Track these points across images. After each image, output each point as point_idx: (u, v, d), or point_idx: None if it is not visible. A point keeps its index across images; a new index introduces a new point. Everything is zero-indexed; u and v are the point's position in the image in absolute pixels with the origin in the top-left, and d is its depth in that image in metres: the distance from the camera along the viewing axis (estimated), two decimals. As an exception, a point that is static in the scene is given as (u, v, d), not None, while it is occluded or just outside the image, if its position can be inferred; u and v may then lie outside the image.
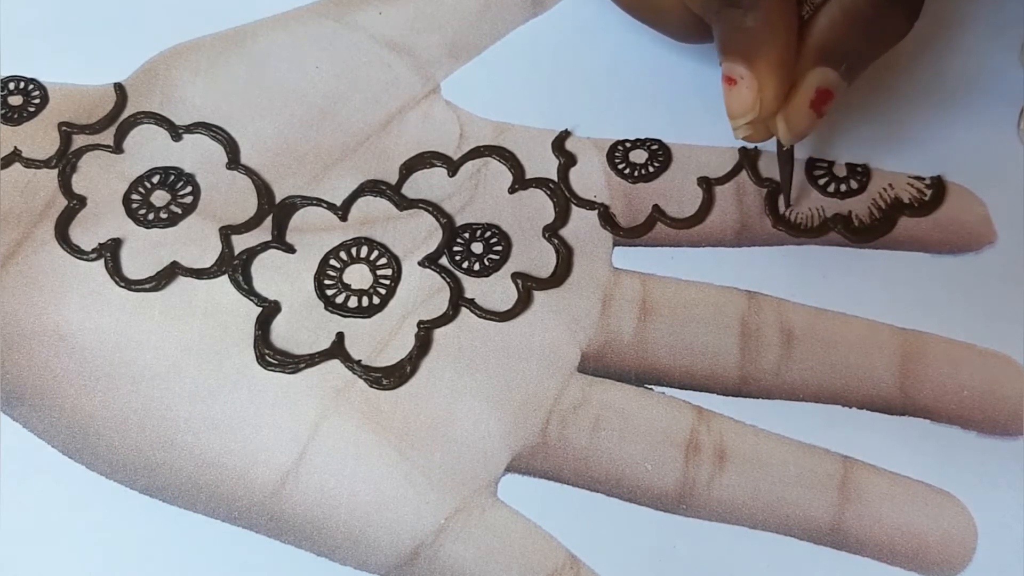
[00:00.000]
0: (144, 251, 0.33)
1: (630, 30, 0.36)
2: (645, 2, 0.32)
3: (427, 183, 0.34)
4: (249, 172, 0.34)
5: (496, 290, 0.32)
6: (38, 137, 0.35)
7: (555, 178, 0.34)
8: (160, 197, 0.34)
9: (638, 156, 0.35)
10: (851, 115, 0.35)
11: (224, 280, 0.32)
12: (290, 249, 0.33)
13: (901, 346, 0.31)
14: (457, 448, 0.30)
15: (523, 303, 0.32)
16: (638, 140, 0.35)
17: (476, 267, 0.33)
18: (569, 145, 0.35)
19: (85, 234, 0.33)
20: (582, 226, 0.33)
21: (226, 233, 0.33)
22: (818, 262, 0.33)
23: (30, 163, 0.34)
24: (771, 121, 0.29)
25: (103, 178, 0.34)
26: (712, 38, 0.30)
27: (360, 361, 0.31)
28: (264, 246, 0.33)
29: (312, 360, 0.31)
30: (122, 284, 0.32)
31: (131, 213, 0.33)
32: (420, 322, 0.32)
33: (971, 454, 0.30)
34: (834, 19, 0.29)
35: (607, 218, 0.33)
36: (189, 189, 0.34)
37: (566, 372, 0.31)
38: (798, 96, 0.29)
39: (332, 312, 0.32)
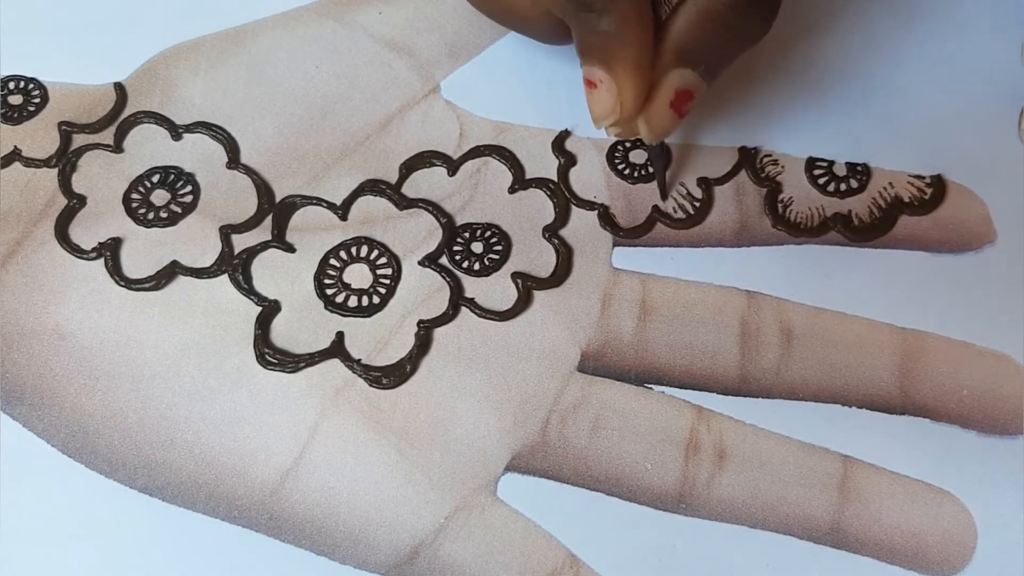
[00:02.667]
0: (144, 250, 0.33)
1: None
2: (504, 9, 0.31)
3: (427, 182, 0.34)
4: (249, 171, 0.34)
5: (496, 290, 0.32)
6: (38, 136, 0.35)
7: (555, 178, 0.34)
8: (160, 196, 0.34)
9: (638, 156, 0.35)
10: (850, 114, 0.35)
11: (224, 279, 0.32)
12: (290, 248, 0.33)
13: (901, 345, 0.31)
14: (457, 447, 0.30)
15: (523, 303, 0.32)
16: (638, 140, 0.35)
17: (476, 267, 0.33)
18: (569, 145, 0.35)
19: (85, 233, 0.33)
20: (582, 226, 0.33)
21: (226, 232, 0.33)
22: (818, 261, 0.33)
23: (30, 162, 0.34)
24: (633, 121, 0.29)
25: (103, 177, 0.34)
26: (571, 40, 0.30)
27: (360, 360, 0.31)
28: (264, 245, 0.33)
29: (312, 359, 0.31)
30: (122, 283, 0.32)
31: (131, 212, 0.33)
32: (420, 321, 0.32)
33: (971, 453, 0.30)
34: (691, 20, 0.29)
35: (607, 218, 0.33)
36: (189, 188, 0.34)
37: (566, 371, 0.31)
38: (658, 97, 0.29)
39: (332, 311, 0.32)
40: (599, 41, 0.28)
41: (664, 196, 0.34)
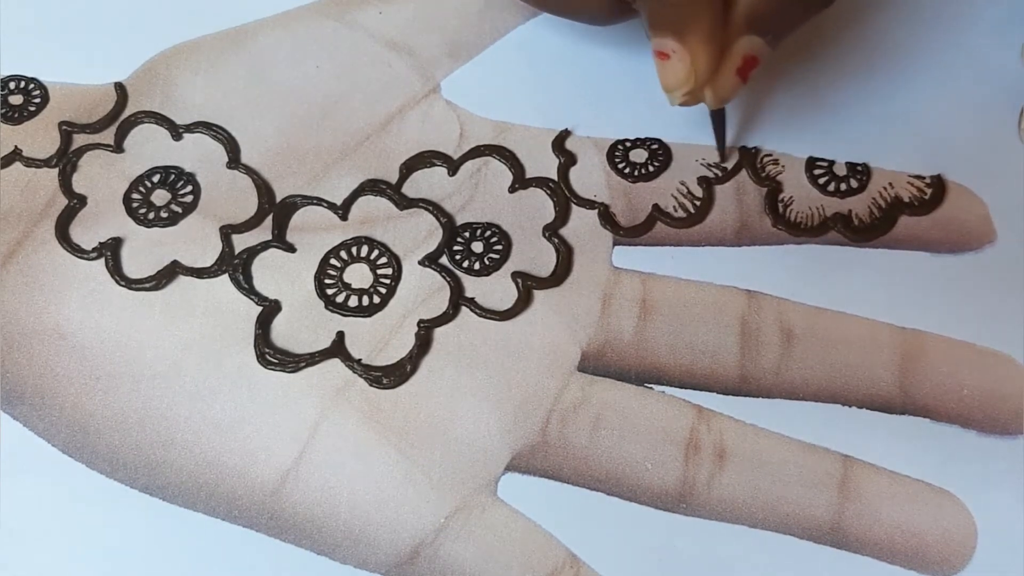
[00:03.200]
0: (144, 250, 0.33)
1: (630, 29, 0.36)
2: None
3: (427, 182, 0.34)
4: (249, 171, 0.34)
5: (496, 289, 0.32)
6: (39, 136, 0.35)
7: (555, 177, 0.34)
8: (160, 196, 0.34)
9: (638, 155, 0.35)
10: (850, 114, 0.35)
11: (224, 279, 0.32)
12: (290, 248, 0.33)
13: (901, 345, 0.31)
14: (457, 447, 0.30)
15: (523, 302, 0.32)
16: (638, 139, 0.35)
17: (476, 266, 0.33)
18: (569, 144, 0.35)
19: (86, 233, 0.33)
20: (582, 225, 0.33)
21: (226, 232, 0.33)
22: (818, 261, 0.33)
23: (30, 162, 0.34)
24: (704, 89, 0.30)
25: (103, 177, 0.34)
26: (629, 16, 0.30)
27: (360, 360, 0.31)
28: (264, 245, 0.33)
29: (312, 359, 0.31)
30: (122, 283, 0.32)
31: (131, 212, 0.33)
32: (420, 321, 0.32)
33: (971, 453, 0.30)
34: None
35: (607, 217, 0.33)
36: (189, 188, 0.34)
37: (566, 371, 0.31)
38: (726, 64, 0.30)
39: (332, 311, 0.32)
40: (671, 12, 0.28)
41: (723, 158, 0.34)
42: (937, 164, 0.34)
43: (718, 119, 0.33)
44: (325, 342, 0.32)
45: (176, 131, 0.35)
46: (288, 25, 0.37)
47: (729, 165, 0.34)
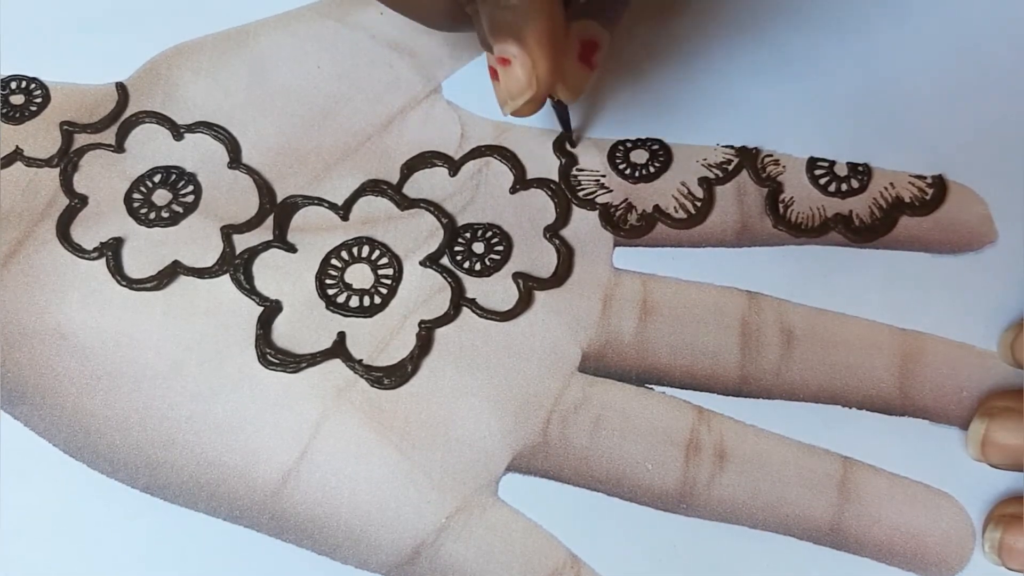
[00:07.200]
0: (145, 250, 0.33)
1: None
2: None
3: (428, 183, 0.34)
4: (250, 171, 0.34)
5: (497, 290, 0.32)
6: (40, 136, 0.35)
7: (556, 178, 0.34)
8: (161, 196, 0.34)
9: (639, 156, 0.35)
10: (851, 114, 0.35)
11: (225, 279, 0.33)
12: (291, 248, 0.33)
13: (900, 347, 0.31)
14: (458, 447, 0.30)
15: (524, 303, 0.32)
16: (638, 140, 0.35)
17: (477, 267, 0.33)
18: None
19: (87, 233, 0.33)
20: (583, 226, 0.33)
21: (227, 232, 0.33)
22: (818, 262, 0.33)
23: (32, 162, 0.34)
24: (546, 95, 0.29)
25: (105, 177, 0.34)
26: (468, 26, 0.29)
27: (361, 360, 0.31)
28: (265, 245, 0.33)
29: (314, 359, 0.31)
30: (123, 283, 0.32)
31: (132, 212, 0.33)
32: (421, 322, 0.32)
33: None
34: None
35: (608, 218, 0.33)
36: (191, 188, 0.34)
37: (567, 372, 0.31)
38: (566, 54, 0.28)
39: (333, 311, 0.32)
40: (508, 15, 0.27)
41: (574, 143, 0.34)
42: (938, 164, 0.34)
43: (561, 111, 0.33)
44: (326, 342, 0.32)
45: (177, 131, 0.35)
46: (289, 25, 0.37)
47: (579, 148, 0.34)
